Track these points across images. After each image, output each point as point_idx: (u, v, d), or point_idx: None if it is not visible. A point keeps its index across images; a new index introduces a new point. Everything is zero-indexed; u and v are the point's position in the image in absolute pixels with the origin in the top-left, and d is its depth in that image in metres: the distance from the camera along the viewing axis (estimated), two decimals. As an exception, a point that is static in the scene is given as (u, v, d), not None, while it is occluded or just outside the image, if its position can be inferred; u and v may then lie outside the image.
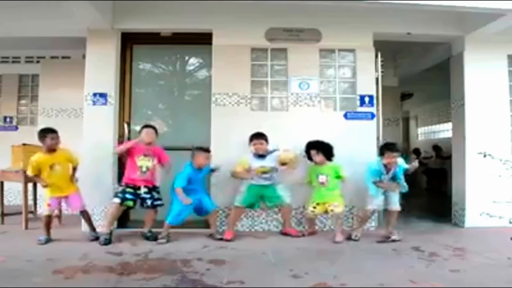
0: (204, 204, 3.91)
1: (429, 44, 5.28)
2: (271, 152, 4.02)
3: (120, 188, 3.84)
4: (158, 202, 3.89)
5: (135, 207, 3.91)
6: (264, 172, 3.94)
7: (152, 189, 3.87)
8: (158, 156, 3.94)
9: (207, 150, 3.95)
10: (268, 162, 3.96)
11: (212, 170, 4.06)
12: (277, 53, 4.52)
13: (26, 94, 6.30)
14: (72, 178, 3.90)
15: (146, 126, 4.00)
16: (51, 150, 3.76)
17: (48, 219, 3.78)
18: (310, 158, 4.11)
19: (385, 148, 3.90)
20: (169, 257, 3.23)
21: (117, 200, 3.76)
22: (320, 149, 4.02)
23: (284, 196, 4.04)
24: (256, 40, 4.46)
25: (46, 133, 3.73)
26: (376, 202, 3.90)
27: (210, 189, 4.25)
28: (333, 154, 4.04)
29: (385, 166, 3.85)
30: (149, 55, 4.82)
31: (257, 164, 3.95)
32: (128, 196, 3.77)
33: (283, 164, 3.98)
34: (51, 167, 3.74)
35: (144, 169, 3.82)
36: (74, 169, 3.94)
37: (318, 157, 4.01)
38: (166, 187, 3.96)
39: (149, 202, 3.84)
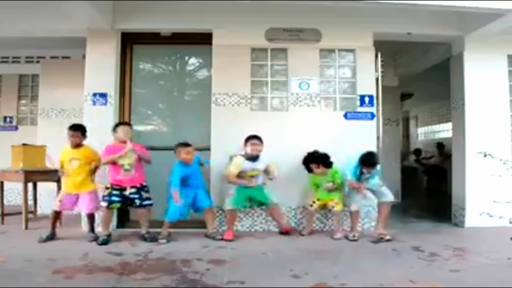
0: (199, 199, 3.90)
1: (429, 44, 5.27)
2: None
3: (106, 191, 3.79)
4: (147, 202, 3.83)
5: (125, 207, 3.90)
6: (253, 176, 3.97)
7: (141, 188, 3.81)
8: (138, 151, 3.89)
9: (186, 145, 3.91)
10: (258, 165, 3.98)
11: (200, 164, 4.03)
12: (277, 53, 4.51)
13: (26, 94, 6.29)
14: (89, 177, 3.89)
15: (120, 123, 3.98)
16: (75, 145, 3.84)
17: (56, 215, 3.82)
18: (308, 169, 4.13)
19: (363, 162, 3.87)
20: (169, 257, 3.22)
21: (104, 204, 3.75)
22: (320, 162, 4.04)
23: (271, 197, 4.05)
24: (256, 40, 4.46)
25: (68, 129, 3.85)
26: (356, 202, 3.97)
27: (210, 188, 4.24)
28: (331, 162, 4.06)
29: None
30: (149, 55, 4.82)
31: (249, 166, 3.96)
32: (114, 198, 3.74)
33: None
34: (70, 160, 3.81)
35: (126, 166, 3.77)
36: (95, 168, 3.94)
37: (320, 169, 4.04)
38: (159, 186, 3.97)
39: (137, 202, 3.79)
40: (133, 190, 3.78)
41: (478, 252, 3.43)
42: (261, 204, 4.12)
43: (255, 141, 3.97)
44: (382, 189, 3.96)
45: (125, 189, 3.77)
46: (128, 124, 4.04)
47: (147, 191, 3.87)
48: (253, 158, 3.96)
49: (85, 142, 3.93)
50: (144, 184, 3.88)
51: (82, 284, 2.61)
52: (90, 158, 3.87)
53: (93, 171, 3.94)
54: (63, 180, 3.89)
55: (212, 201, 4.04)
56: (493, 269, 2.98)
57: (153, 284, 2.61)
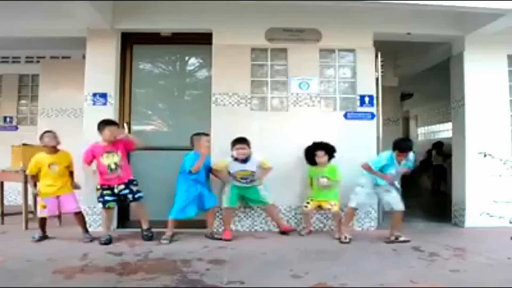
0: (205, 198, 3.90)
1: (429, 44, 5.27)
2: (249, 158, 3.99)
3: (98, 192, 3.80)
4: (139, 195, 3.83)
5: (120, 205, 3.97)
6: (244, 177, 3.95)
7: (129, 183, 3.82)
8: (123, 146, 3.85)
9: (206, 134, 3.97)
10: (249, 166, 3.95)
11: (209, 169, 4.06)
12: (277, 53, 4.51)
13: (26, 94, 6.30)
14: (70, 182, 3.89)
15: (105, 123, 3.84)
16: (52, 150, 3.80)
17: (44, 221, 3.81)
18: (309, 160, 4.12)
19: (397, 147, 3.80)
20: (169, 257, 3.23)
21: (99, 205, 3.81)
22: (328, 150, 4.04)
23: (266, 197, 4.04)
24: (256, 40, 4.46)
25: (44, 132, 3.84)
26: (356, 199, 3.90)
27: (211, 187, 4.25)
28: (334, 154, 4.08)
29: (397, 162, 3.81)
30: (149, 55, 4.81)
31: (237, 167, 3.95)
32: (108, 198, 3.77)
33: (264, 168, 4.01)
34: (49, 166, 3.76)
35: (112, 166, 3.76)
36: (71, 173, 3.93)
37: (323, 158, 4.03)
38: (158, 185, 3.98)
39: (130, 197, 3.80)
40: (122, 186, 3.79)
41: (478, 252, 3.42)
42: (256, 203, 4.12)
43: (240, 145, 3.94)
44: (393, 194, 3.83)
45: (114, 187, 3.78)
46: (114, 123, 3.94)
47: (135, 184, 3.86)
48: (242, 160, 3.95)
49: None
50: (132, 178, 3.87)
51: (82, 284, 2.61)
52: (68, 162, 3.87)
53: (71, 176, 3.94)
54: (40, 184, 3.82)
55: (217, 200, 4.03)
56: (493, 269, 2.98)
57: (153, 284, 2.61)
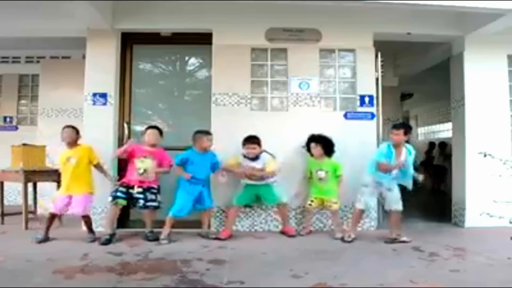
0: (202, 198, 3.91)
1: (429, 44, 5.28)
2: (262, 152, 4.01)
3: (114, 187, 3.84)
4: (152, 204, 3.81)
5: (130, 206, 3.94)
6: (254, 175, 3.95)
7: (147, 189, 3.81)
8: (159, 159, 3.91)
9: (208, 133, 3.98)
10: (257, 164, 3.97)
11: (213, 170, 4.03)
12: (277, 53, 4.51)
13: (26, 94, 6.31)
14: (88, 178, 3.86)
15: (150, 127, 4.04)
16: (70, 144, 3.81)
17: (51, 218, 3.79)
18: (309, 151, 4.14)
19: (391, 128, 3.85)
20: (169, 257, 3.22)
21: (109, 199, 3.77)
22: (320, 142, 4.04)
23: (280, 195, 4.04)
24: (256, 40, 4.46)
25: (63, 128, 3.84)
26: (363, 200, 3.89)
27: (211, 189, 4.24)
28: (333, 150, 4.07)
29: (394, 148, 3.77)
30: (149, 55, 4.82)
31: (247, 165, 3.97)
32: (119, 194, 3.75)
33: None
34: (67, 159, 3.78)
35: (141, 171, 3.81)
36: (97, 167, 3.92)
37: (316, 150, 4.04)
38: (160, 186, 3.96)
39: (141, 202, 3.78)
40: (139, 190, 3.79)
41: (478, 252, 3.42)
42: (271, 201, 4.11)
43: (250, 144, 3.98)
44: (395, 193, 3.80)
45: (132, 187, 3.78)
46: (157, 128, 4.04)
47: (153, 193, 3.85)
48: (251, 158, 3.97)
49: (84, 141, 3.93)
50: (152, 186, 3.85)
51: (82, 284, 2.61)
52: (87, 157, 3.84)
53: (101, 169, 3.94)
54: (62, 180, 3.86)
55: (213, 202, 4.05)
56: (493, 269, 2.98)
57: (153, 284, 2.61)
